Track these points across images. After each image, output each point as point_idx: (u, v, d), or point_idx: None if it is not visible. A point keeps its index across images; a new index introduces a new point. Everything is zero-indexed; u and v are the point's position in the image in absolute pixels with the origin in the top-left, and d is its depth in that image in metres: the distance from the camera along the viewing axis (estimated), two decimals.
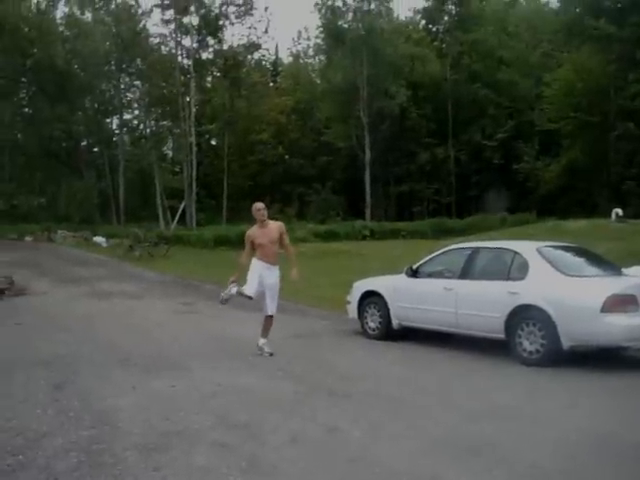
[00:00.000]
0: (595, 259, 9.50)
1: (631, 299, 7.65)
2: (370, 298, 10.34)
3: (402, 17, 56.68)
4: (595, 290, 7.89)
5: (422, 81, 48.39)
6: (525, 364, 7.98)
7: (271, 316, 8.74)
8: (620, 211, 24.47)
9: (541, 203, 43.47)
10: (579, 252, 9.71)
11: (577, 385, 7.16)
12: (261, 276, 8.50)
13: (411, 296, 9.75)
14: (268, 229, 8.66)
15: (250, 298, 8.55)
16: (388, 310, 10.00)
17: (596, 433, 5.40)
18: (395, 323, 9.98)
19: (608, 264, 9.23)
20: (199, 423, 5.61)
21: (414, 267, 9.96)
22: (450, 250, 10.12)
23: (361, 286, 10.67)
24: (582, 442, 5.17)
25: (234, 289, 8.59)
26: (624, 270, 8.92)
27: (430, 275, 9.76)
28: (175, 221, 40.56)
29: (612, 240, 18.62)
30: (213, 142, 55.95)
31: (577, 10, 45.80)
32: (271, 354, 8.51)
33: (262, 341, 8.68)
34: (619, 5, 44.69)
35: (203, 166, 48.76)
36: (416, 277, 9.84)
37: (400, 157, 49.35)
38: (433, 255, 10.10)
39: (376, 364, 8.42)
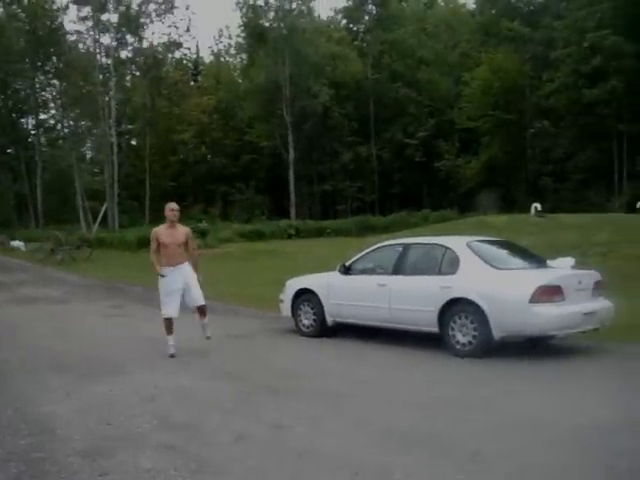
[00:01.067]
0: (522, 252, 9.85)
1: (557, 290, 7.96)
2: (304, 296, 10.38)
3: (323, 17, 57.15)
4: (523, 282, 8.18)
5: (344, 80, 48.92)
6: (459, 356, 8.19)
7: (202, 305, 8.68)
8: (539, 206, 25.40)
9: (462, 199, 44.59)
10: (506, 246, 10.06)
11: (510, 373, 7.42)
12: (173, 288, 8.53)
13: (345, 293, 9.84)
14: (175, 231, 8.67)
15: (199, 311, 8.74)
16: (322, 307, 10.07)
17: (532, 418, 5.61)
18: (329, 320, 10.06)
19: (534, 257, 9.58)
20: (141, 426, 5.52)
21: (347, 264, 10.06)
22: (382, 247, 10.26)
23: (294, 284, 10.69)
24: (519, 427, 5.35)
25: (170, 342, 8.53)
26: (549, 262, 9.27)
27: (363, 272, 9.88)
28: (97, 223, 39.64)
29: (533, 234, 19.33)
30: (134, 142, 55.00)
31: (493, 12, 47.34)
32: (209, 337, 8.78)
33: (205, 320, 8.80)
34: (532, 8, 46.48)
35: (124, 167, 47.83)
36: (349, 274, 9.94)
37: (324, 156, 49.76)
38: (365, 252, 10.22)
39: (314, 361, 8.48)
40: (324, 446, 4.97)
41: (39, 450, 4.96)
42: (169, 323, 8.61)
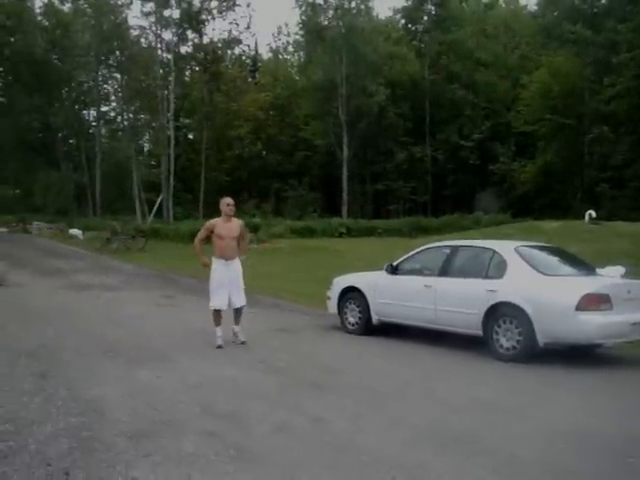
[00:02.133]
0: (570, 259, 9.76)
1: (605, 298, 7.89)
2: (350, 294, 10.49)
3: (382, 16, 57.08)
4: (570, 289, 8.12)
5: (400, 80, 48.71)
6: (501, 360, 8.19)
7: (240, 308, 9.06)
8: (594, 213, 24.86)
9: (516, 203, 43.98)
10: (555, 252, 9.97)
11: (552, 381, 7.38)
12: (224, 281, 8.81)
13: (391, 292, 9.91)
14: (231, 224, 9.00)
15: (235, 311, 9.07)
16: (368, 306, 10.16)
17: (572, 425, 5.60)
18: (375, 319, 10.15)
19: (583, 264, 9.49)
20: (186, 412, 5.72)
21: (394, 264, 10.13)
22: (429, 248, 10.30)
23: (341, 282, 10.81)
24: (558, 434, 5.36)
25: (219, 333, 8.76)
26: (598, 270, 9.17)
27: (410, 272, 9.93)
28: (152, 214, 40.45)
29: (585, 241, 18.97)
30: (191, 136, 55.82)
31: (555, 14, 46.45)
32: (244, 342, 8.88)
33: (236, 328, 9.06)
34: (595, 10, 45.45)
35: (180, 160, 48.66)
36: (396, 274, 10.01)
37: (377, 155, 49.67)
38: (413, 253, 10.27)
39: (357, 358, 8.58)
40: (363, 442, 5.07)
41: (89, 429, 5.20)
42: (218, 315, 8.85)
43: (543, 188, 43.64)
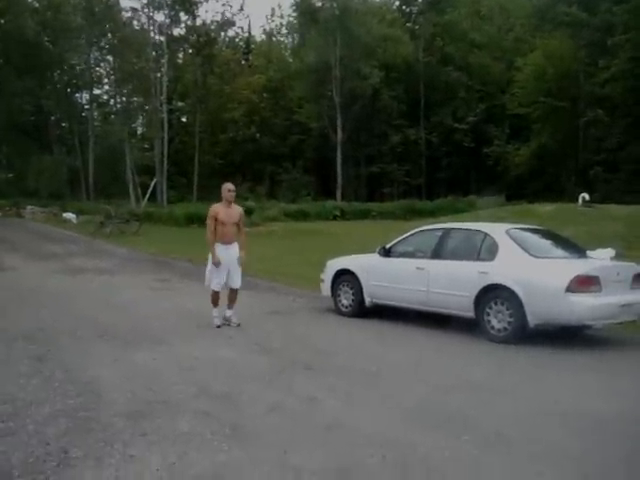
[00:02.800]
0: (562, 242, 9.86)
1: (595, 280, 8.00)
2: (344, 276, 10.59)
3: None
4: (561, 271, 8.23)
5: (394, 62, 48.60)
6: (493, 341, 8.31)
7: (236, 289, 9.18)
8: (587, 196, 25.01)
9: (510, 186, 44.10)
10: (546, 235, 10.08)
11: (542, 361, 7.50)
12: (223, 264, 8.95)
13: (384, 275, 10.01)
14: (232, 210, 9.12)
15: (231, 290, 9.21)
16: (361, 288, 10.26)
17: (557, 405, 5.73)
18: (367, 301, 10.25)
19: (574, 246, 9.59)
20: (181, 393, 5.81)
21: (387, 247, 10.21)
22: (422, 231, 10.39)
23: (334, 265, 10.89)
24: (543, 413, 5.49)
25: (215, 313, 9.04)
26: (589, 252, 9.28)
27: (402, 255, 10.02)
28: (146, 198, 40.41)
29: (578, 224, 19.12)
30: (184, 119, 55.68)
31: None
32: (238, 324, 9.02)
33: (229, 312, 9.20)
34: None
35: (174, 143, 48.58)
36: (389, 257, 10.09)
37: (371, 138, 49.65)
38: (405, 235, 10.35)
39: (350, 340, 8.68)
40: (354, 420, 5.19)
41: (86, 410, 5.30)
42: (217, 296, 9.08)
43: (537, 171, 43.76)
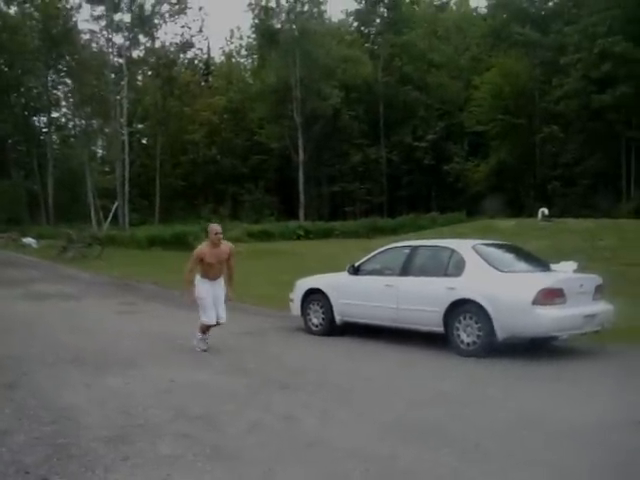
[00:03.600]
0: (526, 256, 10.10)
1: (559, 292, 8.22)
2: (313, 295, 10.66)
3: (335, 19, 57.36)
4: (527, 285, 8.43)
5: (354, 83, 49.09)
6: (462, 355, 8.46)
7: (222, 321, 9.05)
8: (546, 210, 25.58)
9: (470, 202, 44.75)
10: (511, 249, 10.32)
11: (511, 373, 7.67)
12: (211, 297, 8.87)
13: (353, 293, 10.10)
14: (220, 250, 8.86)
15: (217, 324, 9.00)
16: (331, 307, 10.34)
17: (530, 415, 5.88)
18: (338, 319, 10.33)
19: (538, 260, 9.83)
20: (159, 416, 5.80)
21: (356, 265, 10.33)
22: (390, 249, 10.53)
23: (304, 284, 10.96)
24: (518, 423, 5.63)
25: (199, 336, 8.91)
26: (552, 266, 9.52)
27: (371, 273, 10.15)
28: (107, 221, 40.05)
29: (539, 238, 19.54)
30: (144, 142, 55.33)
31: (504, 16, 47.40)
32: (205, 350, 8.81)
33: (198, 335, 8.98)
34: (543, 13, 46.53)
35: (135, 166, 48.24)
36: (358, 275, 10.21)
37: (333, 157, 49.99)
38: (374, 254, 10.49)
39: (322, 358, 8.74)
40: (332, 436, 5.25)
41: (64, 436, 5.26)
42: (208, 328, 8.96)
43: (496, 187, 44.50)
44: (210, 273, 8.84)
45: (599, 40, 37.95)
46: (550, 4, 48.49)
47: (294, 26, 47.06)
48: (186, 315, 11.68)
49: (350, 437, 5.23)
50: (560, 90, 41.90)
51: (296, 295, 10.94)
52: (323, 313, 10.46)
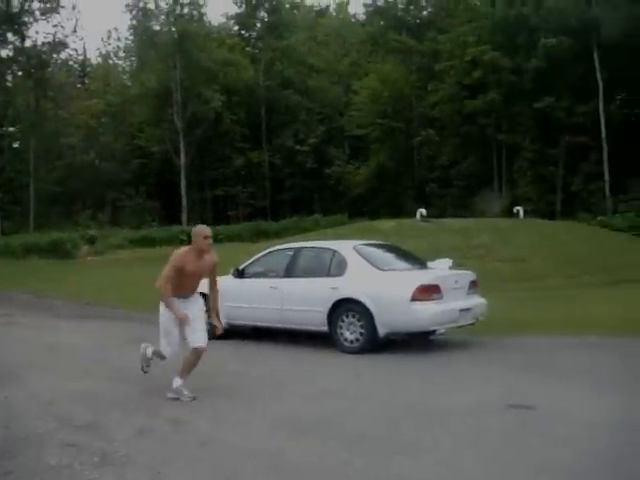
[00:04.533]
0: (405, 255, 10.55)
1: (436, 288, 8.68)
2: None
3: (215, 22, 56.97)
4: (405, 282, 8.84)
5: (236, 86, 48.94)
6: (346, 352, 8.76)
7: (201, 349, 6.74)
8: (424, 211, 26.57)
9: (352, 205, 45.74)
10: (390, 249, 10.76)
11: (393, 367, 8.05)
12: (176, 323, 6.71)
13: (238, 296, 10.18)
14: (203, 261, 6.81)
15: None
16: None
17: (411, 403, 6.24)
18: (223, 322, 10.34)
19: (415, 258, 10.30)
20: (43, 428, 5.66)
21: (240, 268, 10.43)
22: (274, 251, 10.70)
23: None
24: (400, 412, 5.95)
25: (149, 350, 7.14)
26: (428, 263, 10.00)
27: (256, 275, 10.28)
28: None
29: (418, 238, 20.33)
30: (16, 145, 52.79)
31: (382, 23, 48.82)
32: (193, 398, 6.58)
33: (178, 381, 6.73)
34: (418, 21, 48.31)
35: (6, 171, 46.00)
36: (242, 277, 10.31)
37: (215, 161, 49.62)
38: (258, 256, 10.63)
39: (209, 361, 8.69)
40: (224, 436, 5.35)
41: None
42: (162, 357, 7.04)
43: (377, 189, 45.72)
44: (186, 288, 6.82)
45: (470, 49, 39.87)
46: (425, 13, 50.42)
47: (173, 28, 46.40)
48: (70, 325, 11.47)
49: (242, 435, 5.35)
50: (435, 95, 43.64)
51: None
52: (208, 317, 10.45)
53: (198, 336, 6.72)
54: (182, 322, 6.65)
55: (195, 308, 6.88)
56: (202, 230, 6.83)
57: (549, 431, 5.29)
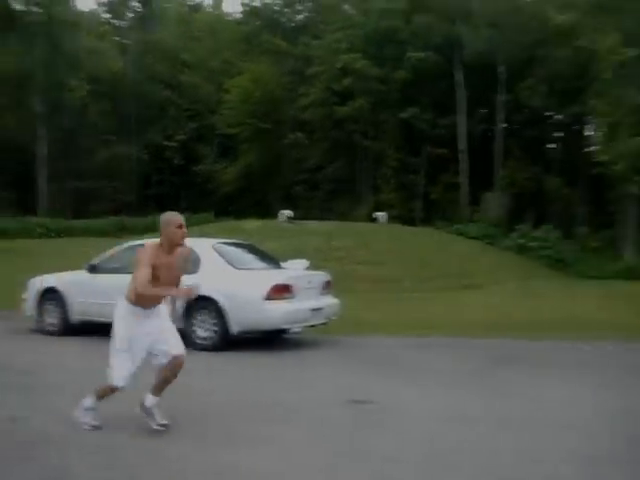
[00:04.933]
0: (261, 254, 10.73)
1: (288, 288, 8.91)
2: (48, 294, 10.34)
3: (85, 8, 54.94)
4: (259, 281, 9.01)
5: (103, 76, 47.33)
6: (198, 349, 8.77)
7: (180, 357, 5.51)
8: (287, 212, 26.91)
9: (220, 204, 45.51)
10: (248, 248, 10.90)
11: (246, 363, 8.29)
12: (138, 341, 5.34)
13: (91, 291, 9.96)
14: (174, 259, 5.33)
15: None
16: (67, 306, 10.10)
17: (258, 398, 6.47)
18: (74, 318, 10.12)
19: (271, 259, 10.50)
20: None
21: (94, 263, 10.20)
22: (130, 247, 10.52)
23: (38, 283, 10.60)
24: (246, 405, 6.18)
25: (88, 401, 5.49)
26: (282, 264, 10.24)
27: (110, 271, 10.07)
28: None
29: (282, 239, 20.62)
30: None
31: (257, 23, 48.93)
32: (165, 425, 5.36)
33: (151, 399, 5.45)
34: (292, 25, 48.86)
35: None
36: (96, 273, 10.08)
37: (78, 153, 47.81)
38: (113, 251, 10.43)
39: (55, 358, 8.54)
40: (57, 432, 5.27)
41: None
42: (112, 393, 5.46)
43: (245, 189, 45.75)
44: (149, 299, 5.37)
45: (341, 56, 40.81)
46: (299, 17, 51.06)
47: (40, 10, 44.19)
48: None
49: (79, 430, 5.27)
50: (306, 99, 44.26)
51: (30, 294, 10.53)
52: (59, 312, 10.17)
53: (174, 342, 5.46)
54: (189, 294, 5.42)
55: (161, 317, 5.50)
56: (174, 218, 5.31)
57: (382, 423, 5.62)
